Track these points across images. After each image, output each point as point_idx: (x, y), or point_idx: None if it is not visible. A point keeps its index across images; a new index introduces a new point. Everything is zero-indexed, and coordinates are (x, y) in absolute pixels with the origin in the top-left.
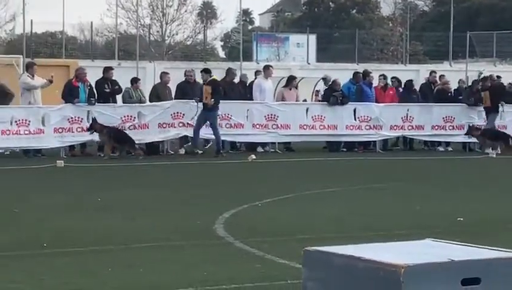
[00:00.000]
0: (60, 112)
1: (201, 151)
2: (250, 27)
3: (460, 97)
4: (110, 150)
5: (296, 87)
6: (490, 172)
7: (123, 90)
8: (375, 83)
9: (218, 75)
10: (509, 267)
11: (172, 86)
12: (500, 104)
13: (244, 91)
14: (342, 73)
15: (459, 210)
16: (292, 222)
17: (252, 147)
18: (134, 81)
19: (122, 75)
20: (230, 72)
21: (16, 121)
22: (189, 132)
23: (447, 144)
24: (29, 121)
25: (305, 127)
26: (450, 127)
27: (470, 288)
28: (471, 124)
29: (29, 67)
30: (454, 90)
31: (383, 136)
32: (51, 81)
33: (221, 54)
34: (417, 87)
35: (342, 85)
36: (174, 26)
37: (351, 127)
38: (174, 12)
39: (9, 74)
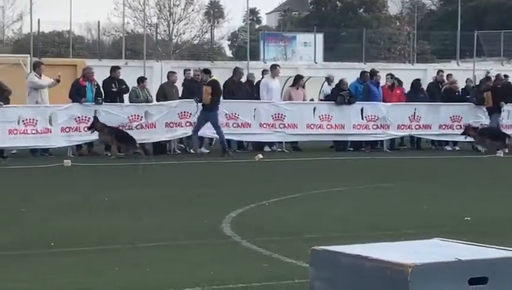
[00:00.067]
0: (67, 112)
1: (208, 151)
2: (257, 26)
3: (468, 96)
4: (116, 150)
5: (303, 87)
6: (498, 171)
7: (130, 90)
8: (382, 82)
9: (225, 74)
10: None
11: (180, 86)
12: (500, 105)
13: (251, 90)
14: (349, 72)
15: (466, 209)
16: (299, 221)
17: (259, 146)
18: (141, 80)
19: (129, 74)
20: (237, 72)
21: (23, 121)
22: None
23: (455, 143)
24: (37, 121)
25: (312, 126)
26: (458, 127)
27: (477, 288)
28: (467, 124)
29: (36, 67)
30: (462, 89)
31: (390, 136)
32: (58, 81)
33: (228, 53)
34: (424, 86)
35: (349, 84)
36: (181, 26)
37: (358, 127)
38: (181, 11)
39: (16, 73)
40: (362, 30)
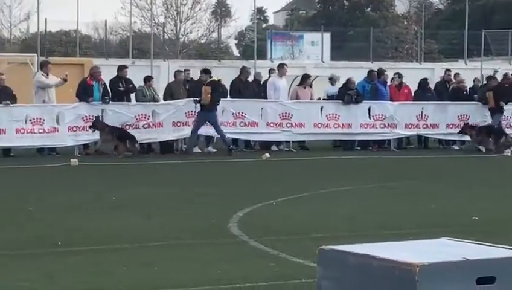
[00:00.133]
0: (74, 111)
1: (215, 150)
2: (264, 25)
3: (476, 95)
4: (124, 149)
5: (311, 86)
6: (505, 171)
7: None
8: (389, 81)
9: (232, 73)
10: None
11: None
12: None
13: (258, 90)
14: (357, 71)
15: (474, 209)
16: (307, 221)
17: (266, 145)
18: (148, 79)
19: (136, 73)
20: (244, 71)
21: (30, 120)
22: (204, 130)
23: (462, 142)
24: (44, 120)
25: (319, 125)
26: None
27: (485, 287)
28: (466, 122)
29: (43, 66)
30: (470, 88)
31: (398, 135)
32: (65, 80)
33: (236, 52)
34: (432, 85)
35: (357, 83)
36: (188, 25)
37: (366, 126)
38: (188, 10)
39: (23, 72)
40: (369, 29)
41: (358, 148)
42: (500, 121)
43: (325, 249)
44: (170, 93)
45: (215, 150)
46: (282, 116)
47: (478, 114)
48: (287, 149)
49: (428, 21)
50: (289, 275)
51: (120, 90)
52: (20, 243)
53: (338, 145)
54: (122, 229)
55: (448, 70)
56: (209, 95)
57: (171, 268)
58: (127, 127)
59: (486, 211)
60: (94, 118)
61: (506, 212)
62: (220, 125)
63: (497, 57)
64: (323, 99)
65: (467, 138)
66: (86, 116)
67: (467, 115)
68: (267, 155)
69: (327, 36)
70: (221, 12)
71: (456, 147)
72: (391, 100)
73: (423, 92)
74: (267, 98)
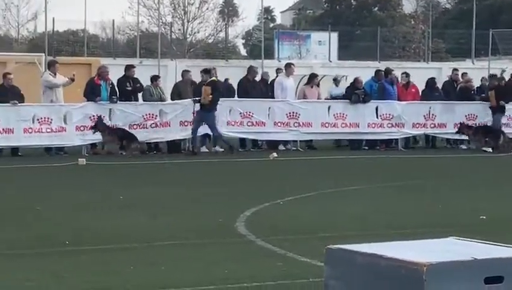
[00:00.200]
0: (82, 110)
1: (223, 149)
2: (271, 25)
3: (483, 94)
4: (132, 149)
5: (318, 85)
6: None
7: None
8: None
9: (239, 73)
10: None
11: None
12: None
13: (265, 89)
14: (364, 71)
15: (481, 208)
16: (314, 220)
17: (273, 145)
18: (154, 79)
19: (144, 73)
20: (251, 70)
21: (38, 119)
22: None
23: (470, 142)
24: (51, 119)
25: (327, 125)
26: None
27: (493, 286)
28: (462, 122)
29: (51, 66)
30: (477, 88)
31: (405, 134)
32: (72, 80)
33: (243, 51)
34: (439, 85)
35: (364, 83)
36: (196, 24)
37: (373, 125)
38: (195, 10)
39: (31, 72)
40: (377, 28)
41: (366, 147)
42: (500, 120)
43: (333, 249)
44: (178, 93)
45: (222, 150)
46: (290, 115)
47: (485, 113)
48: (295, 148)
49: (436, 20)
50: (296, 274)
51: (127, 89)
52: (28, 243)
53: (343, 145)
54: (130, 229)
55: (455, 69)
56: (209, 95)
57: (178, 267)
58: (135, 126)
59: (494, 210)
60: (96, 120)
61: None
62: (216, 127)
63: (505, 57)
64: (326, 98)
65: (466, 137)
66: (94, 116)
67: (474, 115)
68: (275, 155)
69: (334, 36)
70: (229, 12)
71: (463, 147)
72: (399, 100)
73: (431, 92)
74: (274, 98)
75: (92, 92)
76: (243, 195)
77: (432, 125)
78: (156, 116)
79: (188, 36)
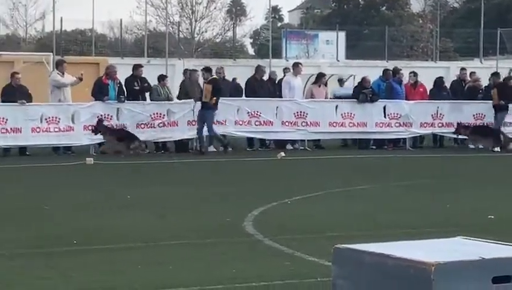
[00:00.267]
0: (90, 110)
1: (231, 149)
2: (279, 24)
3: (480, 94)
4: (133, 149)
5: (326, 85)
6: None
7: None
8: (405, 80)
9: (247, 72)
10: None
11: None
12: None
13: (273, 88)
14: (372, 70)
15: (489, 208)
16: (322, 220)
17: (281, 144)
18: (162, 78)
19: (152, 72)
20: (259, 70)
21: (45, 119)
22: (220, 130)
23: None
24: (59, 119)
25: (334, 124)
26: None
27: (501, 286)
28: (459, 122)
29: (59, 65)
30: (485, 87)
31: (413, 134)
32: (80, 79)
33: (251, 51)
34: (447, 84)
35: (372, 82)
36: (204, 24)
37: (381, 125)
38: (203, 9)
39: (39, 71)
40: (385, 28)
41: (374, 147)
42: (503, 119)
43: (340, 248)
44: (185, 92)
45: (230, 149)
46: (297, 115)
47: (493, 113)
48: (302, 148)
49: (444, 19)
50: (304, 274)
51: (135, 89)
52: (36, 242)
53: (347, 144)
54: (137, 228)
55: (463, 69)
56: (210, 94)
57: (186, 267)
58: (142, 126)
59: (502, 210)
60: (97, 122)
61: None
62: (213, 128)
63: None
64: (331, 98)
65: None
66: (102, 115)
67: (482, 114)
68: (282, 154)
69: (342, 35)
70: (236, 11)
71: (471, 146)
72: (406, 99)
73: (438, 91)
74: (282, 97)
75: (99, 92)
76: (250, 194)
77: (440, 125)
78: (164, 115)
79: (195, 35)
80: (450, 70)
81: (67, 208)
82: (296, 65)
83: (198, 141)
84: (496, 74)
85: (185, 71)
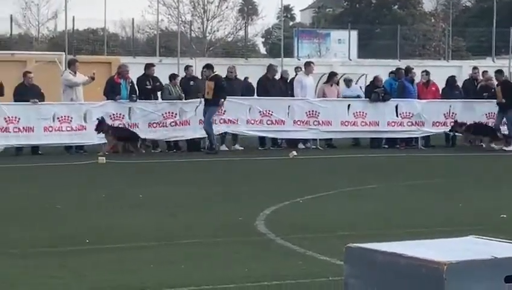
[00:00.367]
0: (102, 109)
1: (242, 148)
2: (291, 23)
3: (485, 92)
4: (143, 146)
5: (338, 84)
6: None
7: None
8: (417, 79)
9: (259, 71)
10: None
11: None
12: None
13: (285, 87)
14: (384, 69)
15: (502, 207)
16: (333, 219)
17: (293, 143)
18: (173, 77)
19: (163, 71)
20: (271, 69)
21: (58, 118)
22: (231, 129)
23: (490, 140)
24: (71, 118)
25: (346, 123)
26: (493, 124)
27: None
28: (455, 120)
29: (71, 64)
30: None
31: (425, 133)
32: (92, 78)
33: (262, 50)
34: (460, 83)
35: (384, 81)
36: (215, 23)
37: (393, 124)
38: (215, 8)
39: (51, 70)
40: (397, 27)
41: (386, 146)
42: (501, 119)
43: (352, 247)
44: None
45: (242, 148)
46: (309, 114)
47: (504, 112)
48: (314, 147)
49: (456, 18)
50: (316, 273)
51: (147, 88)
52: (48, 241)
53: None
54: (149, 227)
55: (475, 68)
56: (212, 91)
57: (198, 266)
58: (154, 125)
59: None
60: (98, 121)
61: None
62: (211, 125)
63: None
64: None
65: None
66: (114, 114)
67: (494, 113)
68: (294, 153)
69: (354, 34)
70: (248, 10)
71: (483, 145)
72: (419, 98)
73: (451, 90)
74: (294, 96)
75: (112, 91)
76: (262, 193)
77: (452, 124)
78: (176, 114)
79: (207, 35)
80: (462, 70)
81: (80, 207)
82: (308, 64)
83: (209, 140)
84: (499, 72)
85: (186, 67)
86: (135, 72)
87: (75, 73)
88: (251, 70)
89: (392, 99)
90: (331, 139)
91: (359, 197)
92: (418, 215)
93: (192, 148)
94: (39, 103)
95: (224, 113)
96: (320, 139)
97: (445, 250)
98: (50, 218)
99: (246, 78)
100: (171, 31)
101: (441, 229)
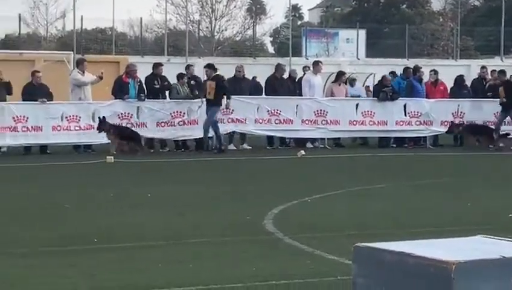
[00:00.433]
0: (110, 108)
1: (250, 147)
2: (299, 22)
3: (489, 92)
4: (128, 148)
5: (346, 83)
6: None
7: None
8: (425, 78)
9: (267, 70)
10: None
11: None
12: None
13: (293, 87)
14: (392, 68)
15: (510, 206)
16: (342, 218)
17: (301, 142)
18: (181, 76)
19: (172, 71)
20: (279, 68)
21: (66, 117)
22: (239, 128)
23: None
24: (80, 117)
25: (354, 122)
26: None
27: None
28: (452, 121)
29: (79, 64)
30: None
31: (434, 132)
32: (101, 78)
33: (271, 49)
34: (468, 82)
35: (392, 80)
36: (224, 22)
37: (401, 123)
38: (223, 8)
39: (60, 70)
40: (405, 26)
41: (394, 145)
42: (502, 119)
43: (361, 247)
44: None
45: (250, 147)
46: (317, 113)
47: None
48: (322, 146)
49: (464, 18)
50: (324, 272)
51: (155, 87)
52: (57, 240)
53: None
54: (158, 226)
55: (483, 67)
56: (213, 91)
57: (206, 265)
58: (162, 124)
59: None
60: (100, 120)
61: None
62: (210, 125)
63: None
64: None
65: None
66: (122, 114)
67: None
68: (302, 152)
69: (362, 33)
70: (256, 10)
71: (500, 144)
72: (427, 97)
73: (459, 89)
74: (302, 96)
75: (120, 90)
76: (270, 193)
77: (449, 125)
78: (184, 113)
79: (215, 34)
80: (470, 69)
81: (88, 206)
82: (316, 63)
83: (217, 139)
84: (502, 72)
85: (187, 67)
86: (143, 71)
87: (84, 72)
88: (259, 70)
89: (400, 98)
90: (339, 138)
91: (367, 196)
92: (426, 214)
93: (200, 147)
94: (47, 102)
95: (232, 113)
96: (328, 139)
97: (453, 249)
98: (58, 217)
99: (254, 78)
100: (179, 30)
101: (449, 229)
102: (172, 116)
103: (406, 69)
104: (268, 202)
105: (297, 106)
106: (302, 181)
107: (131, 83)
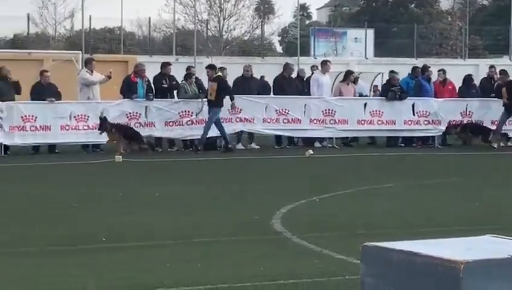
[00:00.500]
0: (119, 107)
1: (258, 147)
2: (307, 22)
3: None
4: (129, 147)
5: (354, 82)
6: None
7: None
8: (434, 77)
9: (275, 70)
10: None
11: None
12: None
13: (301, 86)
14: (401, 68)
15: None
16: (350, 218)
17: (309, 142)
18: (189, 76)
19: (180, 70)
20: (287, 67)
21: (74, 116)
22: (247, 127)
23: (507, 139)
24: (88, 116)
25: (363, 122)
26: (510, 122)
27: None
28: (449, 122)
29: (87, 63)
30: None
31: (442, 131)
32: (109, 77)
33: (279, 49)
34: (477, 82)
35: (401, 80)
36: (232, 22)
37: (410, 122)
38: (231, 7)
39: (68, 69)
40: (413, 25)
41: (402, 145)
42: (504, 120)
43: (369, 246)
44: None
45: (258, 147)
46: (326, 112)
47: None
48: (330, 146)
49: (473, 17)
50: (333, 271)
51: (163, 87)
52: (65, 239)
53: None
54: (166, 226)
55: (492, 66)
56: (215, 92)
57: (214, 265)
58: (170, 123)
59: None
60: (101, 120)
61: None
62: (210, 126)
63: None
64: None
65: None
66: (130, 113)
67: None
68: (311, 152)
69: (371, 32)
70: (265, 9)
71: (501, 144)
72: (435, 97)
73: (467, 89)
74: (310, 95)
75: (128, 90)
76: (278, 192)
77: (446, 126)
78: (192, 113)
79: (223, 33)
80: (479, 68)
81: (96, 205)
82: (324, 63)
83: (224, 139)
84: (504, 72)
85: (188, 68)
86: (152, 71)
87: (92, 72)
88: (267, 69)
89: (408, 98)
90: (347, 137)
91: (376, 196)
92: (435, 214)
93: (208, 147)
94: (56, 101)
95: (240, 112)
96: (336, 138)
97: (461, 249)
98: (66, 217)
99: (262, 77)
100: (188, 29)
101: (457, 229)
102: (180, 115)
103: (415, 68)
104: (276, 202)
105: (305, 105)
106: (310, 180)
107: (140, 82)
